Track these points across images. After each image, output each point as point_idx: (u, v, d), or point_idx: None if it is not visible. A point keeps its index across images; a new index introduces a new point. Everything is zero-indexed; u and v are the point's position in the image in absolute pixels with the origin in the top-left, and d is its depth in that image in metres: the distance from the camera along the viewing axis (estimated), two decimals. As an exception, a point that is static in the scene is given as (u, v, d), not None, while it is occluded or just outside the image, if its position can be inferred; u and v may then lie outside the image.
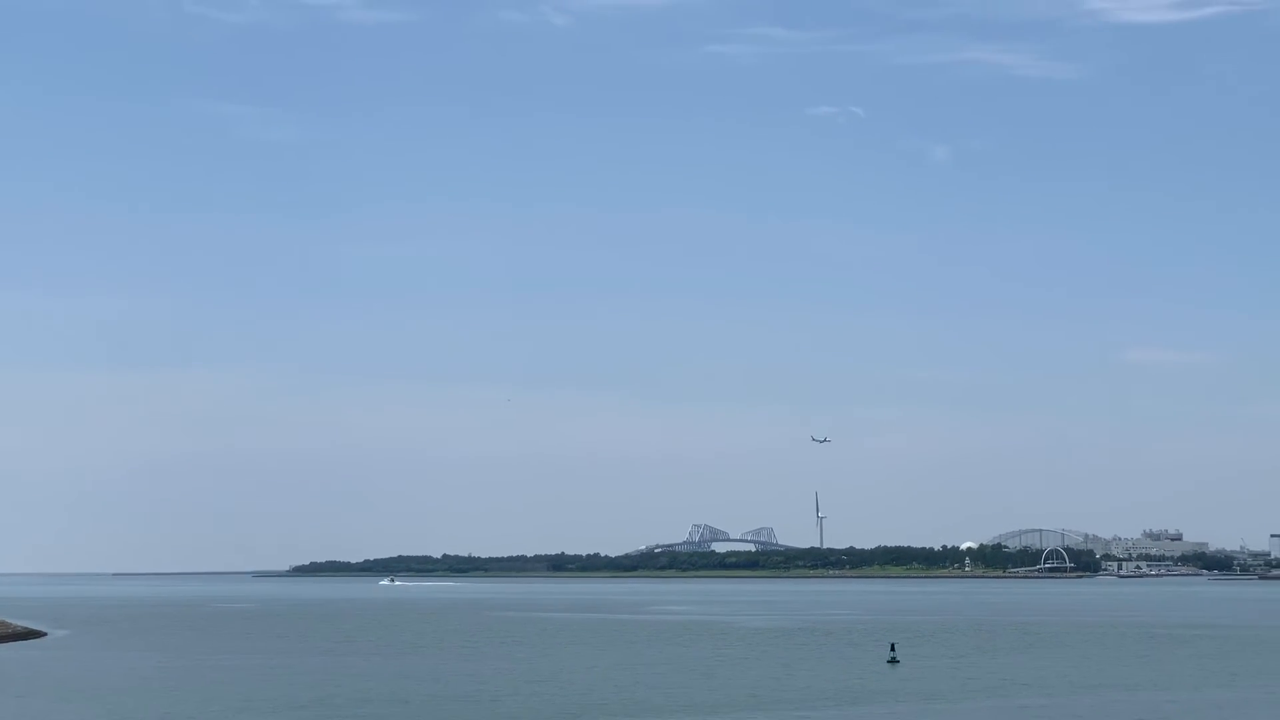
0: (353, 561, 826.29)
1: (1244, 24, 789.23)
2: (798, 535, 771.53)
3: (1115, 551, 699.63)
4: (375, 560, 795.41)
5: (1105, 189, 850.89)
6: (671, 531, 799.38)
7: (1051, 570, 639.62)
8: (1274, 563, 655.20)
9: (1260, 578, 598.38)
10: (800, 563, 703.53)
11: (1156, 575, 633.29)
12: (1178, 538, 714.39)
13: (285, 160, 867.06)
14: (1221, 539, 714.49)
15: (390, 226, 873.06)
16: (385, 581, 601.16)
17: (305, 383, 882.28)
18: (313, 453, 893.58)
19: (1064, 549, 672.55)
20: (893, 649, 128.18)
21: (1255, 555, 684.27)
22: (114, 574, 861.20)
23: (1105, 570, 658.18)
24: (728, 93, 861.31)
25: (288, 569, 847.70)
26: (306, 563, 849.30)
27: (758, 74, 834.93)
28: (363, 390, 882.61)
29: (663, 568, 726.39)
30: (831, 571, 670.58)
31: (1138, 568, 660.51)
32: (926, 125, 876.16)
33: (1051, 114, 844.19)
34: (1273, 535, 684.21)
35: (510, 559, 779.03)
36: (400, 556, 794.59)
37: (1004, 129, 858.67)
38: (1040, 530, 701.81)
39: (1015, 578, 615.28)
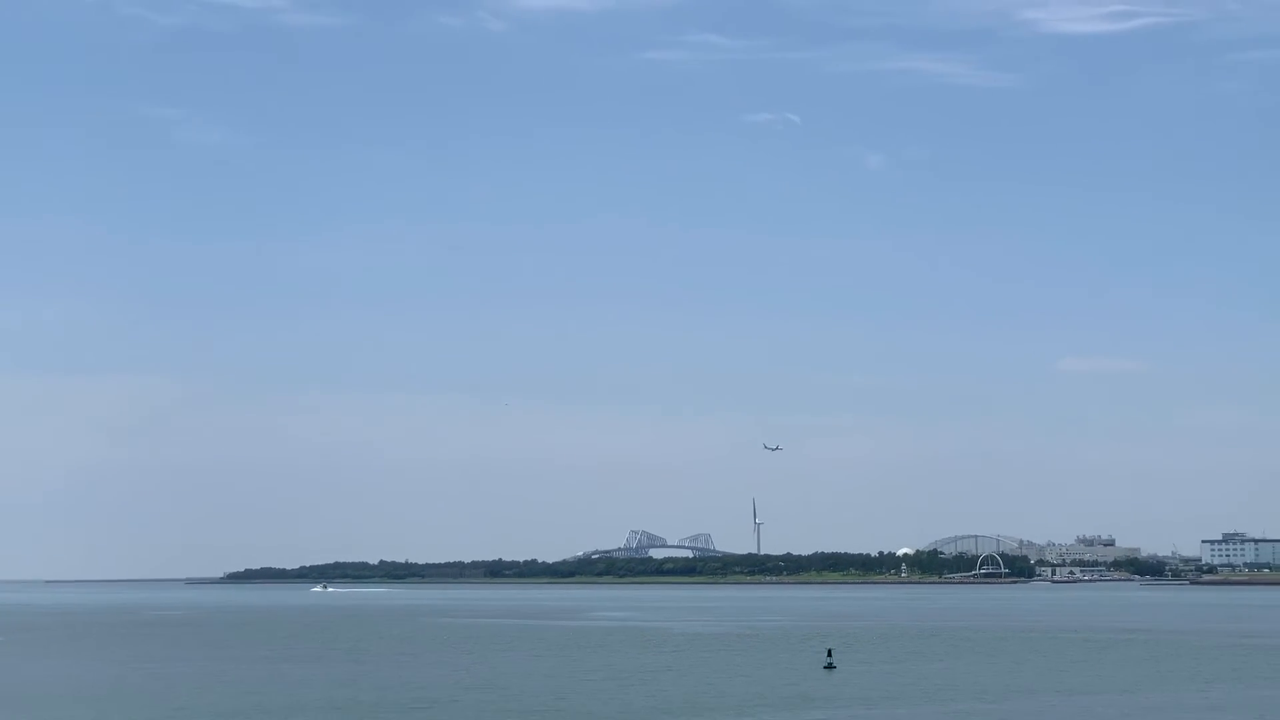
0: (288, 568, 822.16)
1: (1175, 35, 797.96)
2: (735, 541, 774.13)
3: (1049, 557, 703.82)
4: (311, 567, 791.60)
5: (1039, 198, 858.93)
6: (609, 538, 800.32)
7: (987, 576, 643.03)
8: (1205, 568, 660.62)
9: (1191, 583, 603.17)
10: (737, 569, 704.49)
11: (1089, 580, 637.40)
12: (1110, 544, 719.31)
13: (218, 164, 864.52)
14: (1153, 545, 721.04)
15: (324, 233, 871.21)
16: (318, 588, 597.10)
17: (240, 390, 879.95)
18: (247, 460, 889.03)
19: (999, 555, 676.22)
20: (829, 654, 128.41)
21: (1186, 561, 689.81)
22: (46, 581, 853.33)
23: (1039, 576, 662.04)
24: (665, 99, 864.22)
25: (222, 576, 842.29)
26: (241, 569, 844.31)
27: (695, 81, 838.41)
28: (298, 397, 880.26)
29: (600, 574, 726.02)
30: (768, 578, 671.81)
31: (1071, 573, 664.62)
32: (863, 133, 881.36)
33: (986, 122, 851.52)
34: (1203, 541, 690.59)
35: (447, 565, 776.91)
36: (337, 563, 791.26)
37: (939, 137, 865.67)
38: (976, 536, 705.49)
39: (951, 583, 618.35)
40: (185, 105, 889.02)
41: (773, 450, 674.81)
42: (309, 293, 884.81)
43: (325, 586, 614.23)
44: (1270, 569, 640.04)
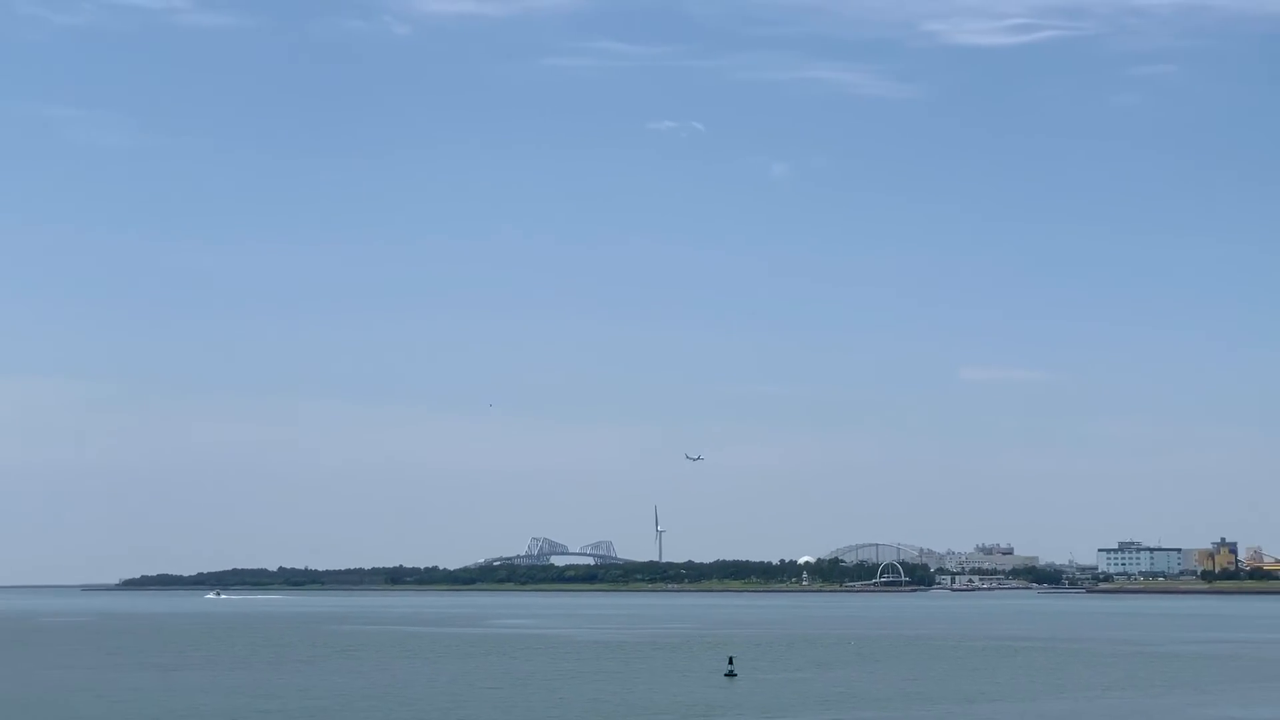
0: (185, 575, 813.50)
1: (1075, 48, 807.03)
2: (637, 549, 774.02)
3: (949, 565, 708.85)
4: (208, 573, 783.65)
5: (941, 207, 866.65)
6: (510, 545, 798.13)
7: (887, 584, 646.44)
8: (1101, 576, 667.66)
9: (1088, 591, 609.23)
10: (639, 576, 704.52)
11: (988, 589, 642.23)
12: (1009, 552, 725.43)
13: (115, 165, 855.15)
14: (1051, 553, 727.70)
15: (221, 236, 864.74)
16: (212, 595, 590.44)
17: (135, 394, 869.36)
18: (144, 465, 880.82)
19: (899, 563, 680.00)
20: (730, 662, 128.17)
21: (1083, 569, 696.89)
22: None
23: (939, 584, 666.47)
24: (568, 106, 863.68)
25: (118, 582, 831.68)
26: (137, 576, 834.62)
27: (599, 88, 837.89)
28: (198, 403, 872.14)
29: (501, 581, 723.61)
30: (670, 585, 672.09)
31: (970, 581, 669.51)
32: (767, 141, 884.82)
33: (890, 132, 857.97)
34: (1100, 550, 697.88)
35: (347, 572, 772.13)
36: (235, 569, 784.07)
37: (843, 147, 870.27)
38: (876, 544, 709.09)
39: (851, 591, 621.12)
40: (82, 105, 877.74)
41: (694, 460, 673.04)
42: (210, 296, 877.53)
43: (219, 593, 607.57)
44: (1164, 577, 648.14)
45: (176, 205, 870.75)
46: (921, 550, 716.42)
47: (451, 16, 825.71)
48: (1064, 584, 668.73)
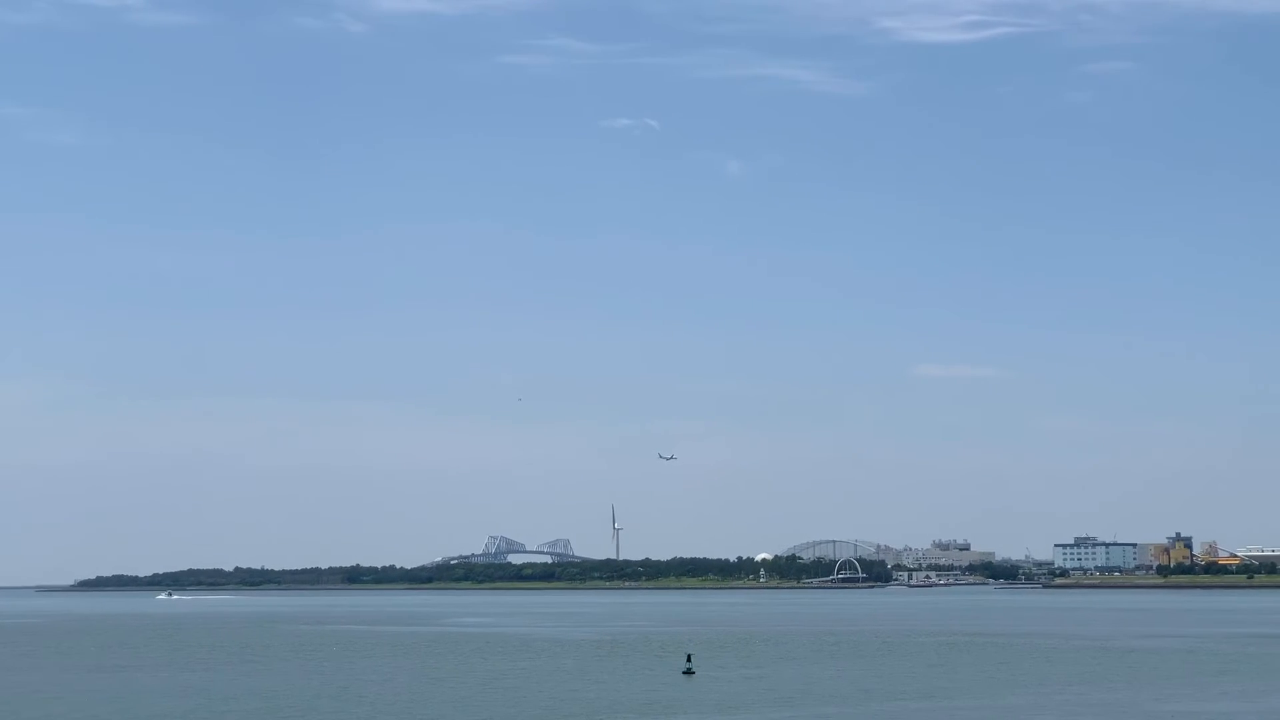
0: (141, 575, 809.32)
1: (1028, 45, 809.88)
2: (594, 547, 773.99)
3: (906, 562, 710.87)
4: (164, 574, 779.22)
5: (896, 205, 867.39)
6: (467, 543, 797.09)
7: (844, 580, 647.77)
8: (1057, 572, 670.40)
9: (1044, 586, 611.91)
10: (596, 574, 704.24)
11: (945, 585, 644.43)
12: (966, 548, 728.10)
13: (67, 164, 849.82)
14: (1007, 549, 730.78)
15: (177, 235, 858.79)
16: (163, 595, 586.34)
17: (90, 395, 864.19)
18: (99, 465, 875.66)
19: (857, 559, 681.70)
20: (688, 660, 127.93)
21: (1039, 565, 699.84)
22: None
23: (896, 580, 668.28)
24: (523, 103, 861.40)
25: (73, 583, 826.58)
26: (93, 577, 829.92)
27: (553, 85, 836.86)
28: (150, 403, 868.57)
29: (459, 579, 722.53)
30: (627, 583, 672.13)
31: (927, 577, 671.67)
32: (722, 139, 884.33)
33: (844, 130, 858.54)
34: (1056, 545, 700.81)
35: (304, 571, 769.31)
36: (191, 570, 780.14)
37: (798, 144, 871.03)
38: (834, 541, 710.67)
39: (809, 588, 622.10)
40: (36, 104, 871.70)
41: (667, 459, 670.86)
42: (167, 297, 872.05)
43: (170, 594, 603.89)
44: (1121, 572, 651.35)
45: (131, 204, 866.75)
46: (878, 547, 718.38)
47: (406, 14, 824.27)
48: (1020, 580, 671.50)
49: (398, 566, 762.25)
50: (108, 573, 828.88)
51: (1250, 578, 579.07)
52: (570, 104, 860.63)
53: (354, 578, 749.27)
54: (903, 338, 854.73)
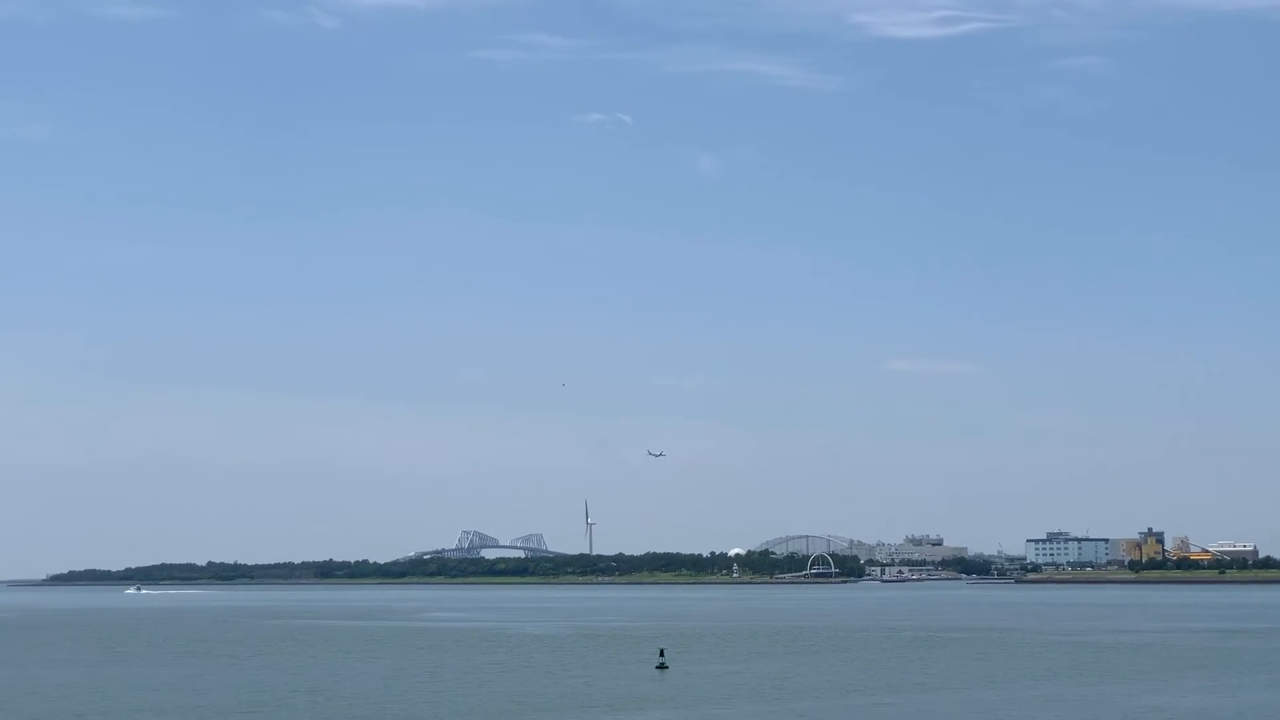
0: (113, 570, 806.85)
1: (1001, 41, 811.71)
2: (567, 542, 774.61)
3: (879, 557, 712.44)
4: (137, 568, 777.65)
5: (869, 200, 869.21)
6: (441, 538, 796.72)
7: (817, 576, 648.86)
8: (1029, 567, 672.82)
9: (1016, 581, 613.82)
10: (570, 569, 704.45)
11: (918, 580, 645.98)
12: (939, 543, 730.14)
13: (38, 158, 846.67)
14: (980, 544, 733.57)
15: (145, 229, 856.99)
16: (131, 590, 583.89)
17: (62, 389, 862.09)
18: (69, 460, 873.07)
19: (830, 555, 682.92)
20: (662, 654, 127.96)
21: (1012, 560, 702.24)
22: None
23: (869, 575, 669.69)
24: (496, 98, 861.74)
25: (45, 578, 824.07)
26: (65, 571, 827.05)
27: (526, 80, 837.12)
28: (122, 397, 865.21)
29: (432, 574, 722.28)
30: (600, 578, 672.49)
31: (900, 572, 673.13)
32: (695, 134, 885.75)
33: (817, 125, 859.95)
34: (1028, 540, 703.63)
35: (277, 566, 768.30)
36: (164, 564, 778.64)
37: (771, 139, 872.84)
38: (807, 536, 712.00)
39: (782, 583, 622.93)
40: (6, 98, 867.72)
41: (656, 456, 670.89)
42: (137, 290, 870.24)
43: (139, 588, 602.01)
44: (1092, 567, 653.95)
45: (102, 198, 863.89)
46: (852, 542, 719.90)
47: (378, 9, 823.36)
48: (993, 574, 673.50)
49: (371, 561, 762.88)
50: (79, 567, 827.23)
51: (1221, 573, 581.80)
52: (543, 99, 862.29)
53: (327, 572, 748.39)
54: (876, 333, 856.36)
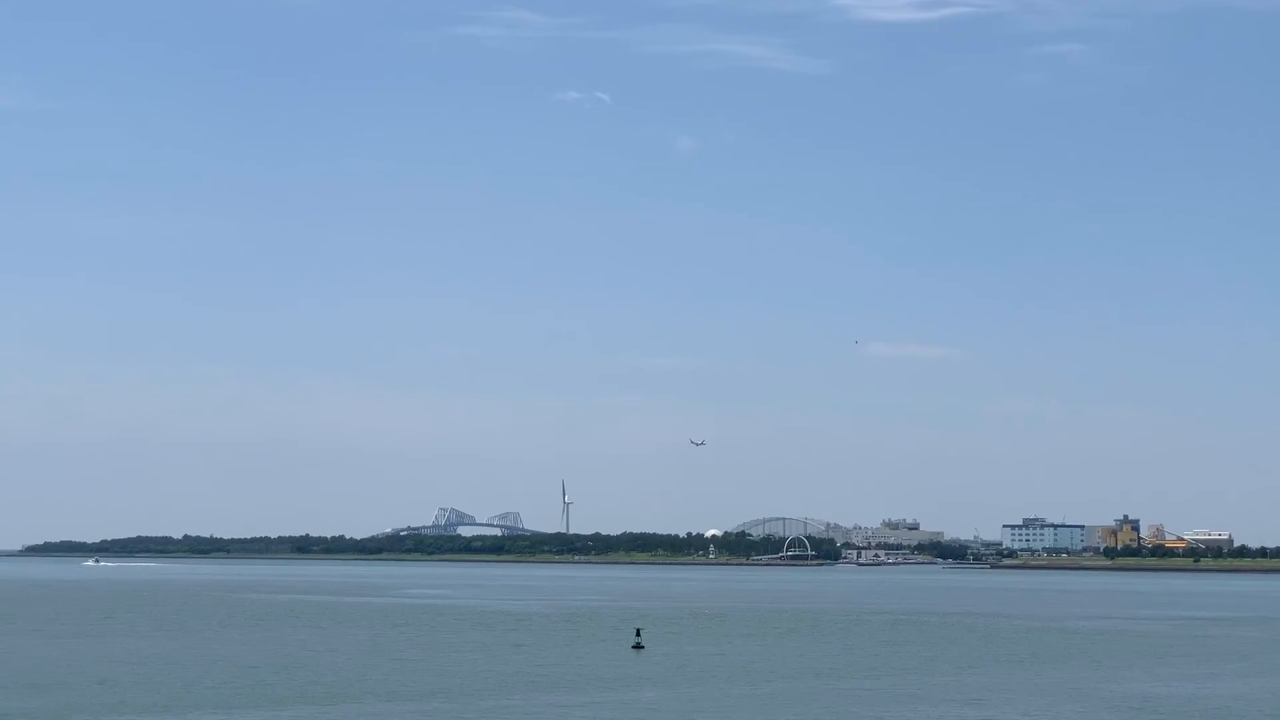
0: (89, 542, 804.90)
1: (982, 26, 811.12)
2: (544, 521, 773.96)
3: (856, 540, 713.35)
4: (113, 540, 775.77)
5: (848, 183, 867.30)
6: (417, 514, 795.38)
7: (794, 558, 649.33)
8: (1005, 552, 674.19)
9: (992, 566, 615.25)
10: (546, 548, 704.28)
11: (894, 563, 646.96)
12: (915, 527, 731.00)
13: (12, 128, 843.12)
14: (956, 529, 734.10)
15: (122, 201, 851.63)
16: (90, 562, 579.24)
17: (39, 362, 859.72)
18: (46, 432, 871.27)
19: (806, 537, 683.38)
20: (638, 634, 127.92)
21: (988, 545, 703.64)
22: None
23: (845, 558, 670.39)
24: (474, 74, 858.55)
25: (21, 549, 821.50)
26: (40, 543, 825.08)
27: (505, 57, 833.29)
28: (98, 370, 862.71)
29: (408, 551, 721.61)
30: (577, 557, 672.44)
31: (876, 556, 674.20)
32: (673, 114, 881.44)
33: (797, 107, 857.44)
34: (1005, 526, 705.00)
35: (253, 540, 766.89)
36: (139, 537, 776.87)
37: (750, 120, 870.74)
38: (784, 519, 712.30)
39: (758, 565, 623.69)
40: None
41: (698, 445, 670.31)
42: (115, 263, 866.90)
43: (97, 560, 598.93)
44: (1068, 554, 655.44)
45: (75, 170, 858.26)
46: (828, 524, 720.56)
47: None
48: (969, 559, 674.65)
49: (347, 537, 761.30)
50: (55, 539, 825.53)
51: (1196, 561, 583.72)
52: (521, 76, 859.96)
53: (303, 547, 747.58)
54: (855, 316, 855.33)
